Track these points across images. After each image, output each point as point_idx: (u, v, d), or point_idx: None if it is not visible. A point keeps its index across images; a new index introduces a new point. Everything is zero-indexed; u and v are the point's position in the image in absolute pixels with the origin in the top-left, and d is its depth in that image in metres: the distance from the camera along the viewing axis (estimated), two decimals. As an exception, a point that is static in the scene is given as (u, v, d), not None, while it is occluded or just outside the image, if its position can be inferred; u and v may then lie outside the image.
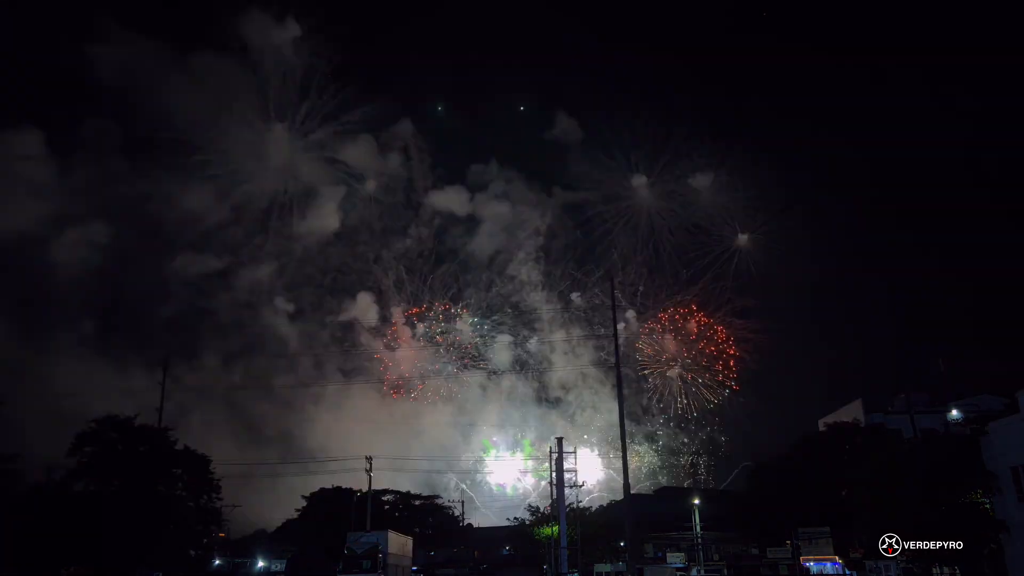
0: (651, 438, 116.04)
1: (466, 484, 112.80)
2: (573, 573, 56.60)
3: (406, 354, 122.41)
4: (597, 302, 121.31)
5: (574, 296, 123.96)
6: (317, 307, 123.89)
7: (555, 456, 61.70)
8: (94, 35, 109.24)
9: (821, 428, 75.07)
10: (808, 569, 58.46)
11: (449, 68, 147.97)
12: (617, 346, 56.14)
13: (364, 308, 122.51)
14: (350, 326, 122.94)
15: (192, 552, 58.42)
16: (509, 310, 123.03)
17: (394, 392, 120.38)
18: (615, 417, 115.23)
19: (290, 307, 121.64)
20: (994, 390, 65.03)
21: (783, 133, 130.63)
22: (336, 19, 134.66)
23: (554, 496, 62.08)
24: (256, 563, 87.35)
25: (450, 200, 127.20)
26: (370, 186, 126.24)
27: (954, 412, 59.04)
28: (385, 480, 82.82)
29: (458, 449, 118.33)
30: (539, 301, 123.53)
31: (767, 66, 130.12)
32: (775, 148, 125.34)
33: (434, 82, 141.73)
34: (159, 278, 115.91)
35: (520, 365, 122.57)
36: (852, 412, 77.93)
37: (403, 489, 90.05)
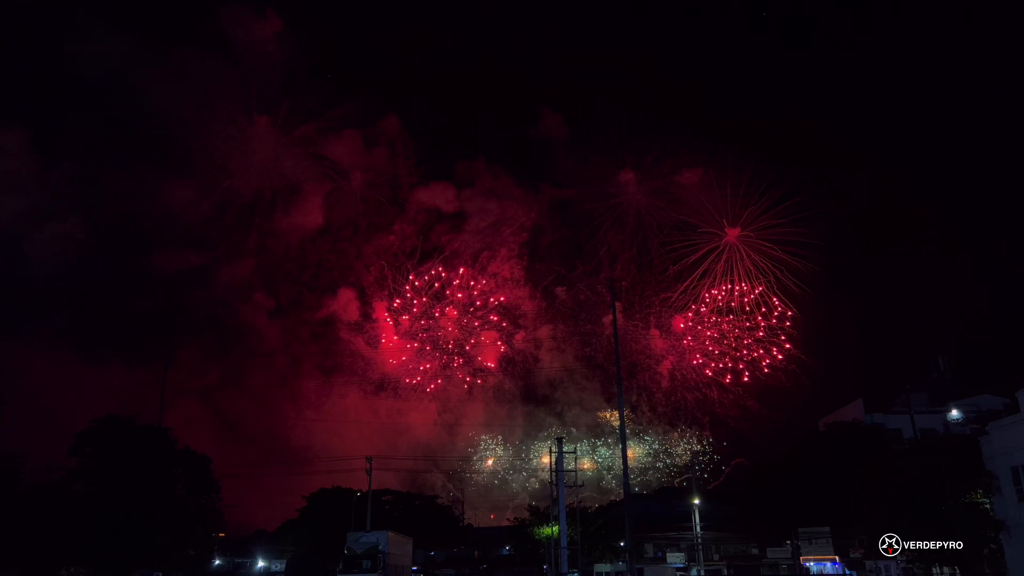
0: (640, 435, 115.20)
1: (453, 483, 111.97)
2: (573, 573, 56.55)
3: (390, 351, 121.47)
4: (582, 297, 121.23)
5: (559, 291, 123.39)
6: (298, 304, 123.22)
7: (555, 456, 61.68)
8: (74, 31, 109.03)
9: (821, 428, 75.21)
10: (808, 569, 58.50)
11: (435, 63, 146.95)
12: (617, 347, 56.13)
13: (346, 305, 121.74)
14: (332, 323, 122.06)
15: (192, 552, 58.42)
16: (494, 306, 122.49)
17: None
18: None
19: (271, 304, 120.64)
20: (994, 390, 65.10)
21: (775, 129, 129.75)
22: (319, 13, 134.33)
23: (553, 495, 62.09)
24: (256, 563, 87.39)
25: (436, 196, 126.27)
26: (355, 182, 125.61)
27: (954, 412, 59.04)
28: (373, 480, 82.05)
29: (444, 448, 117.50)
30: (523, 297, 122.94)
31: (756, 62, 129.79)
32: (765, 143, 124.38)
33: (419, 77, 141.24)
34: (140, 275, 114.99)
35: (506, 362, 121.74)
36: (852, 412, 78.05)
37: (390, 488, 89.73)
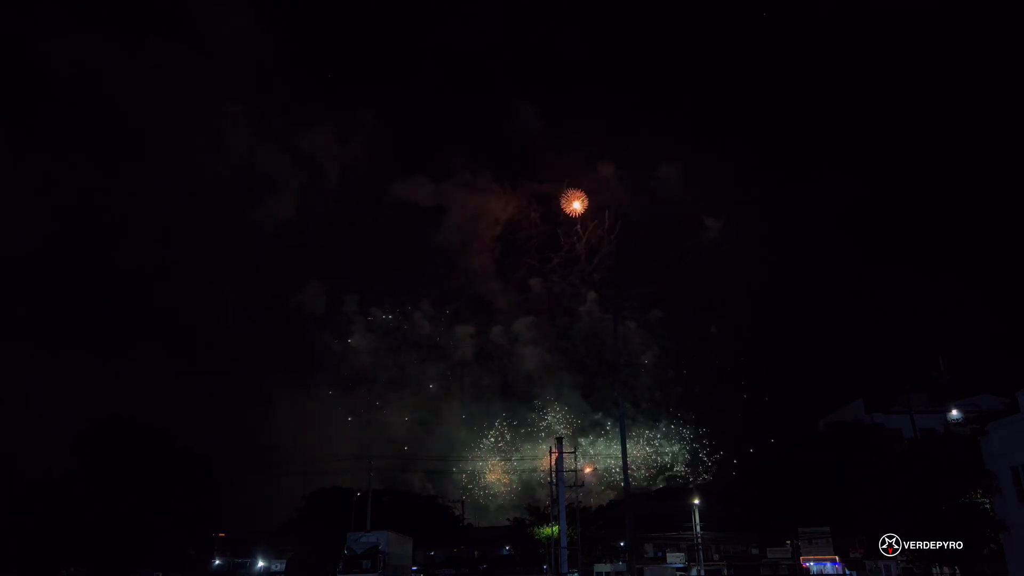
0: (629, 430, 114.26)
1: (433, 483, 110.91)
2: (573, 573, 56.46)
3: (364, 346, 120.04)
4: (557, 290, 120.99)
5: (532, 283, 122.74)
6: (268, 298, 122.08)
7: (555, 456, 61.60)
8: (44, 23, 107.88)
9: (821, 428, 75.19)
10: (808, 569, 58.48)
11: (412, 57, 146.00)
12: (617, 345, 56.09)
13: (320, 300, 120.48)
14: (306, 317, 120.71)
15: (192, 552, 58.44)
16: (469, 300, 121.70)
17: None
18: (584, 411, 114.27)
19: (240, 297, 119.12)
20: (994, 390, 65.09)
21: (767, 122, 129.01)
22: (294, 5, 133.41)
23: (553, 495, 62.03)
24: (256, 563, 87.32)
25: (412, 190, 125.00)
26: (330, 175, 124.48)
27: (954, 412, 58.95)
28: (352, 480, 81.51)
29: (421, 446, 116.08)
30: (497, 291, 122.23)
31: (740, 54, 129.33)
32: (755, 137, 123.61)
33: (396, 71, 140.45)
34: (112, 268, 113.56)
35: (483, 356, 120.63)
36: (852, 412, 77.98)
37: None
